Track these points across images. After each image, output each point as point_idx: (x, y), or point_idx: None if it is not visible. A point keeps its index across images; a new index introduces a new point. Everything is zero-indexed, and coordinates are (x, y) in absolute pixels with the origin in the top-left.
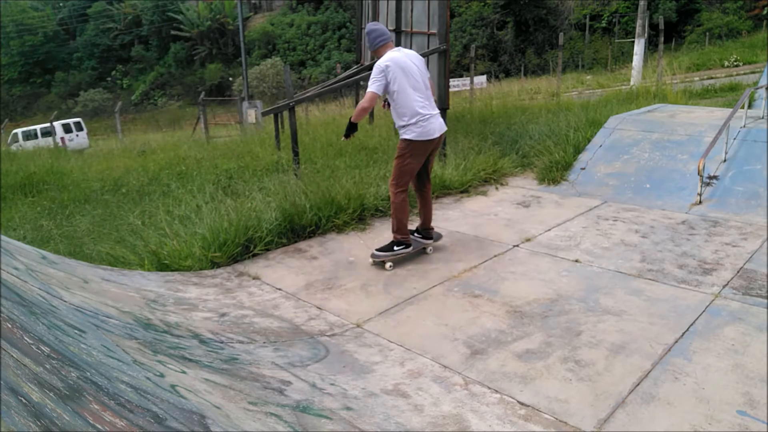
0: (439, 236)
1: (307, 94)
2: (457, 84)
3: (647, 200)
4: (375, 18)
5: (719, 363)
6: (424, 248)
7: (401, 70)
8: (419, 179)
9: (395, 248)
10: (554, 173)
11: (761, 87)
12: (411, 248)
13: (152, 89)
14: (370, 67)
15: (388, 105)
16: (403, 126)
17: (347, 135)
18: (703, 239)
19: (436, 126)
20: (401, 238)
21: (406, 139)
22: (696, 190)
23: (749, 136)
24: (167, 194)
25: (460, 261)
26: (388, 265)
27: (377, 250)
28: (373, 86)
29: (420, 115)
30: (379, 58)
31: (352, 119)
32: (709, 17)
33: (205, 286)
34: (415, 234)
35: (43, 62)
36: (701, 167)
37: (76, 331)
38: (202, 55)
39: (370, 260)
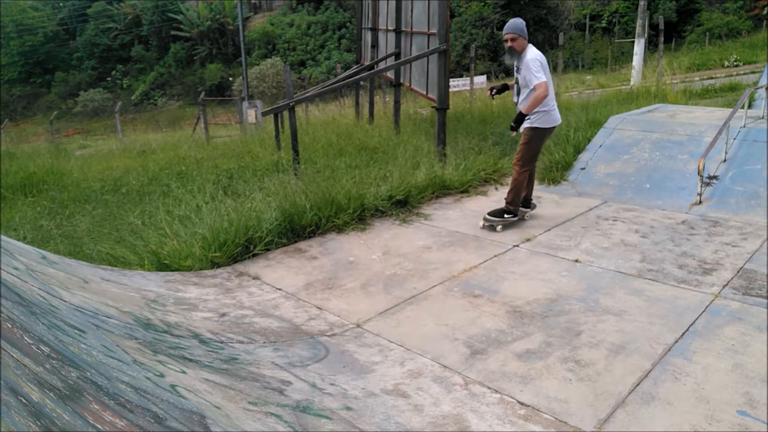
0: (535, 206)
1: (307, 94)
2: (457, 84)
3: (647, 200)
4: (375, 18)
5: (719, 363)
6: (523, 216)
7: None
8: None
9: (505, 216)
10: (554, 173)
11: (761, 87)
12: (517, 217)
13: (152, 89)
14: (370, 67)
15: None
16: (540, 112)
17: (515, 129)
18: (703, 239)
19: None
20: (513, 208)
21: (535, 128)
22: (696, 190)
23: (749, 136)
24: (167, 194)
25: (460, 261)
26: (498, 227)
27: (489, 214)
28: (543, 76)
29: (551, 104)
30: (522, 50)
31: (524, 111)
32: (709, 17)
33: (205, 286)
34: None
35: (43, 62)
36: (701, 167)
37: (76, 331)
38: (202, 55)
39: (481, 223)
